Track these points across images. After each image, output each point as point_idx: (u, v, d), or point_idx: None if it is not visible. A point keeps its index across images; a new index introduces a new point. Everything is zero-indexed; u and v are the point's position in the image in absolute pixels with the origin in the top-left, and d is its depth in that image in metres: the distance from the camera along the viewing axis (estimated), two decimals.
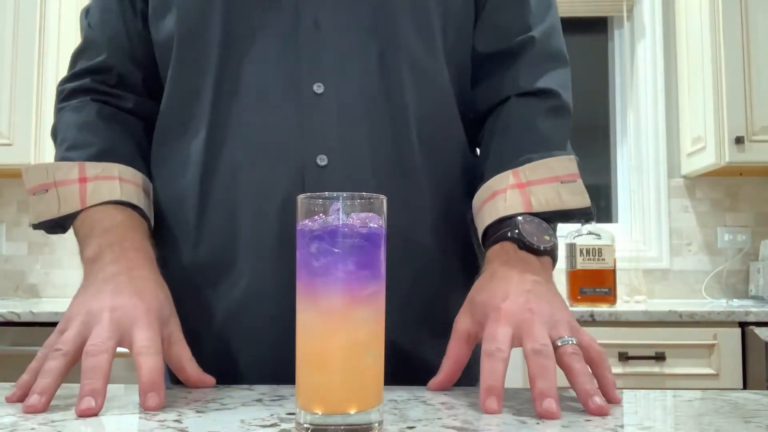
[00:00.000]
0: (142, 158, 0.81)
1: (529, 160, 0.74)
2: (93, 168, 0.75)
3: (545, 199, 0.73)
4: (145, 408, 0.56)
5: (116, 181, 0.75)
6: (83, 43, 0.85)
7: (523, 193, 0.73)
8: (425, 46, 0.76)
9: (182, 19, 0.76)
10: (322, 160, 0.71)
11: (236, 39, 0.74)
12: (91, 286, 0.66)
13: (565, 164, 0.75)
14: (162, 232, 0.79)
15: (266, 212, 0.72)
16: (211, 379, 0.67)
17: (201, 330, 0.74)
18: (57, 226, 0.76)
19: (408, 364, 0.73)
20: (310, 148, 0.71)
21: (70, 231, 0.76)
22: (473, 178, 0.80)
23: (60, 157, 0.78)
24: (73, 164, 0.75)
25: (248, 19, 0.73)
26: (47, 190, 0.74)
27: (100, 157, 0.76)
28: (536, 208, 0.72)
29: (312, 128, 0.72)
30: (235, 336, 0.75)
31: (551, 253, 0.73)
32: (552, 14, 0.83)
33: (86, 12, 0.86)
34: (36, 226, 0.77)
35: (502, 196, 0.73)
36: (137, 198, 0.76)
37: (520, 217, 0.71)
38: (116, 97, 0.83)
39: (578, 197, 0.75)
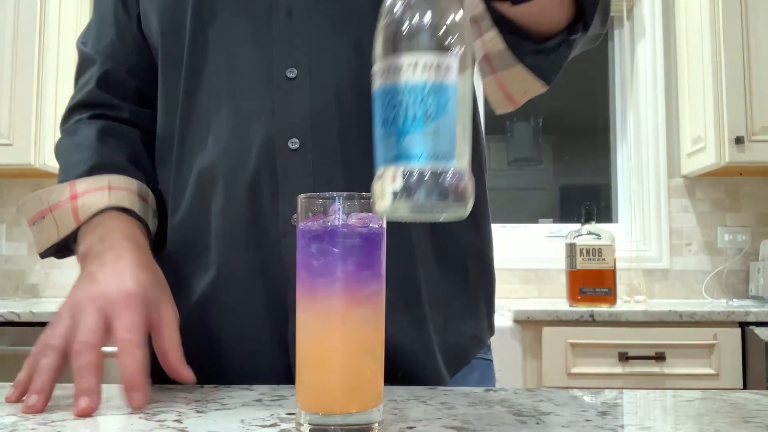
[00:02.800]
0: (138, 166, 0.80)
1: None
2: (82, 183, 0.75)
3: None
4: (130, 407, 0.57)
5: (105, 191, 0.75)
6: (79, 63, 0.86)
7: None
8: None
9: (161, 16, 0.77)
10: (293, 144, 0.71)
11: (209, 30, 0.74)
12: (80, 280, 0.67)
13: None
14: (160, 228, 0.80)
15: (236, 196, 0.72)
16: (189, 375, 0.64)
17: (183, 317, 0.73)
18: (63, 249, 0.76)
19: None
20: (281, 132, 0.71)
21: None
22: None
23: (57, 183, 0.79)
24: (65, 185, 0.75)
25: (222, 11, 0.74)
26: (44, 217, 0.75)
27: (91, 172, 0.76)
28: None
29: (283, 112, 0.71)
30: (208, 322, 0.74)
31: None
32: None
33: (81, 36, 0.87)
34: (43, 255, 0.77)
35: None
36: (130, 202, 0.75)
37: None
38: (111, 108, 0.83)
39: None
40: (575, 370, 2.02)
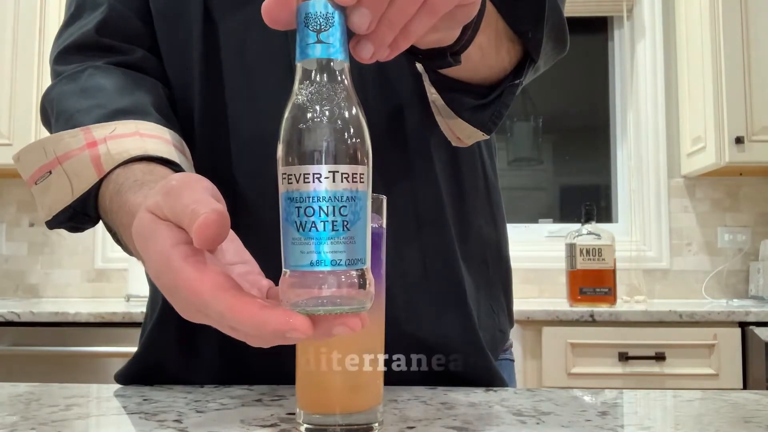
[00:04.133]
0: (166, 117, 0.66)
1: None
2: (101, 129, 0.59)
3: None
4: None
5: (136, 137, 0.58)
6: (74, 10, 0.72)
7: None
8: None
9: None
10: None
11: (226, 32, 0.68)
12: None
13: None
14: None
15: (263, 196, 0.64)
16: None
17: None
18: (79, 215, 0.60)
19: (407, 340, 0.68)
20: None
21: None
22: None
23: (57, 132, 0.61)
24: (76, 131, 0.59)
25: (235, 12, 0.68)
26: (51, 172, 0.58)
27: (111, 117, 0.60)
28: None
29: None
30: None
31: None
32: None
33: None
34: (52, 224, 0.60)
35: None
36: (169, 153, 0.59)
37: None
38: (120, 52, 0.69)
39: None
40: (575, 370, 2.02)
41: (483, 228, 0.78)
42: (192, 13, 0.68)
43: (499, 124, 0.64)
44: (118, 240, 0.59)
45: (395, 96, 0.70)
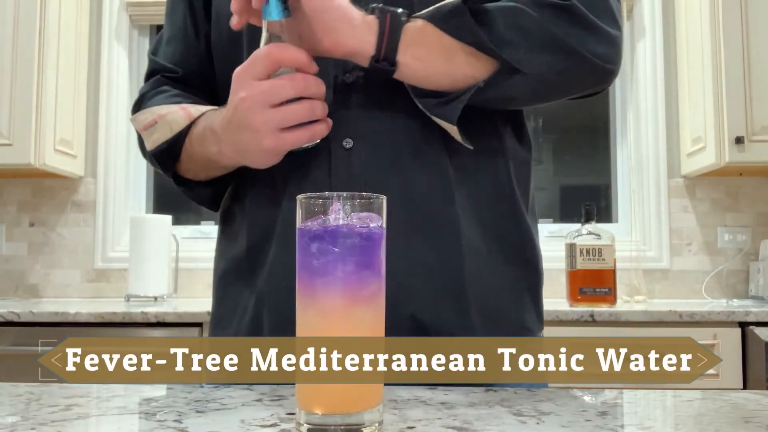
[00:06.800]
0: None
1: None
2: (195, 108, 0.83)
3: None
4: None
5: (206, 106, 0.83)
6: (147, 72, 0.95)
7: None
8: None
9: (218, 31, 0.88)
10: (347, 143, 0.78)
11: None
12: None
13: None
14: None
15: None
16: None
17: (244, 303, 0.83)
18: (173, 148, 0.83)
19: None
20: (337, 133, 0.77)
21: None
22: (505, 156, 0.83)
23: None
24: (175, 106, 0.83)
25: None
26: (156, 122, 0.83)
27: (194, 103, 0.85)
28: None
29: (340, 115, 0.78)
30: (260, 311, 0.80)
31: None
32: None
33: (152, 47, 0.96)
34: (155, 153, 0.84)
35: None
36: None
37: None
38: (184, 95, 0.89)
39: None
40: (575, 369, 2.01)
41: (502, 227, 0.82)
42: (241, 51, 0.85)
43: (456, 113, 0.74)
44: (187, 183, 0.88)
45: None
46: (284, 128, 0.72)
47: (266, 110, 0.71)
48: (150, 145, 0.84)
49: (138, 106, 0.90)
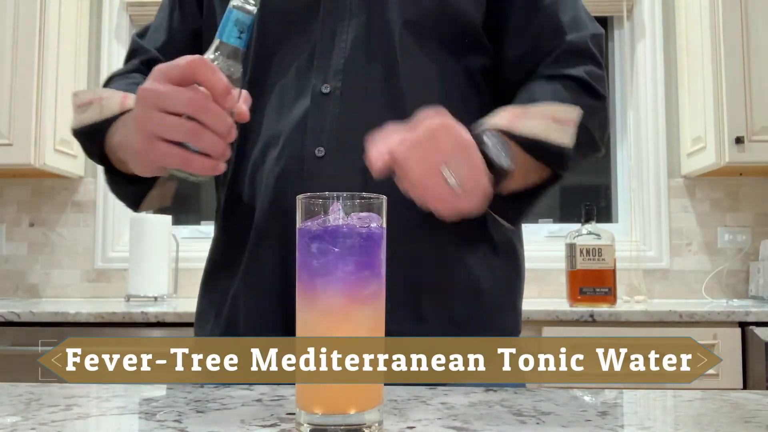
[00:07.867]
0: None
1: (534, 101, 0.80)
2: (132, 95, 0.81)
3: (531, 126, 0.76)
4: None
5: None
6: (129, 51, 0.96)
7: (514, 117, 0.77)
8: (429, 58, 0.83)
9: (208, 27, 0.87)
10: (319, 152, 0.79)
11: (267, 56, 0.85)
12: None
13: (566, 110, 0.79)
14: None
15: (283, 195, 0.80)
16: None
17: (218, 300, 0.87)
18: (95, 132, 0.80)
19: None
20: (310, 141, 0.79)
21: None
22: None
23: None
24: (120, 92, 0.81)
25: (279, 40, 0.85)
26: (92, 103, 0.81)
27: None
28: (517, 129, 0.76)
29: (314, 123, 0.80)
30: (237, 304, 0.84)
31: (495, 168, 0.74)
32: (582, 17, 0.96)
33: (139, 30, 0.98)
34: (77, 132, 0.83)
35: (494, 114, 0.78)
36: None
37: (489, 131, 0.74)
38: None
39: (561, 135, 0.78)
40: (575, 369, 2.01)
41: (490, 227, 0.86)
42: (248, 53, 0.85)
43: (520, 218, 0.84)
44: (111, 168, 0.83)
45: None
46: (162, 138, 0.66)
47: (153, 111, 0.66)
48: (75, 123, 0.82)
49: (105, 86, 0.89)
